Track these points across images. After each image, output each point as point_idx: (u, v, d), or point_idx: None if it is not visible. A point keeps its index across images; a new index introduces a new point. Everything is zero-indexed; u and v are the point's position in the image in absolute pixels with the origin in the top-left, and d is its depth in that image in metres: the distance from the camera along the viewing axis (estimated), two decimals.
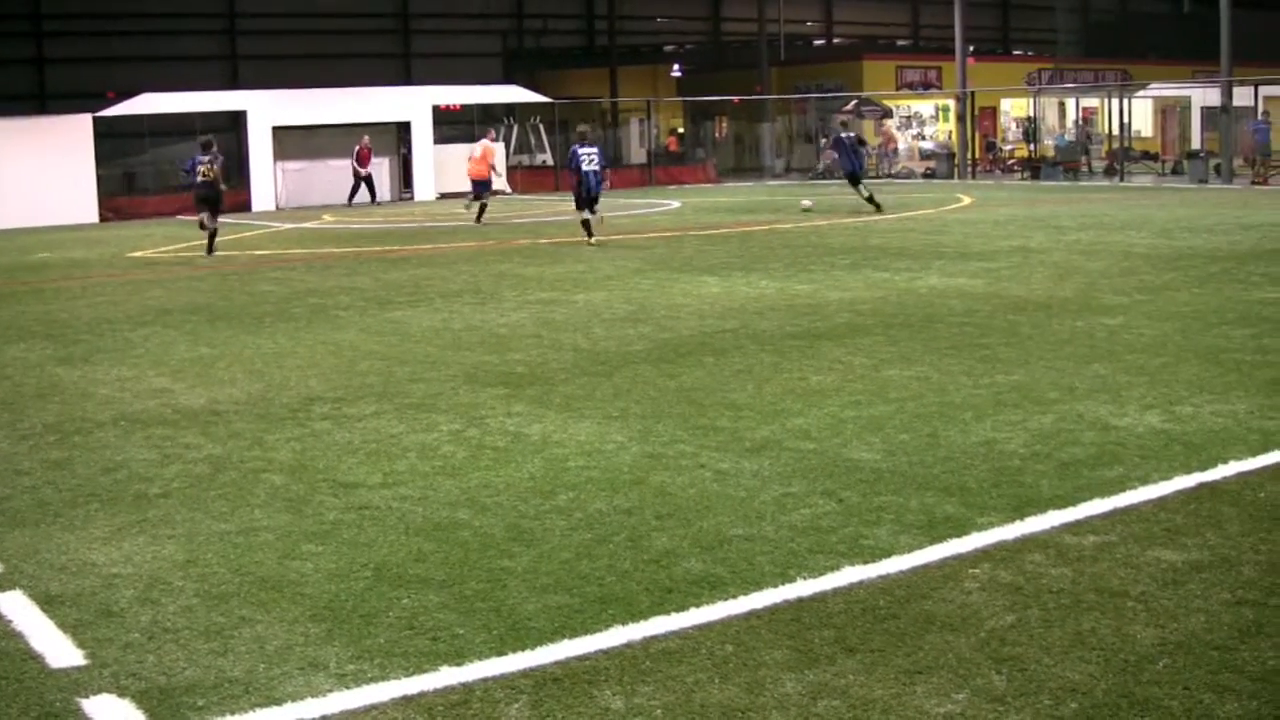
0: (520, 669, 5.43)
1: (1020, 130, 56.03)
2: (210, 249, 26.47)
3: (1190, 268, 18.50)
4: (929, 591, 6.14)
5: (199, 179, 26.50)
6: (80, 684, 5.44)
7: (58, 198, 38.90)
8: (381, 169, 45.65)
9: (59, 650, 5.80)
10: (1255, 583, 6.12)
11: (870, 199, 31.96)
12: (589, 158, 26.21)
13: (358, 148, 43.99)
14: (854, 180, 33.16)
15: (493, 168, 35.68)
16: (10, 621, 6.17)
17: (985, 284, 17.33)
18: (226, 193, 28.93)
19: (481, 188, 34.43)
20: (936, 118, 60.24)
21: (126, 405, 11.31)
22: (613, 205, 38.51)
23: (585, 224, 26.18)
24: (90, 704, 5.25)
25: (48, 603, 6.40)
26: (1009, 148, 55.01)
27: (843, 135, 33.98)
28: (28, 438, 10.18)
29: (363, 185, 44.07)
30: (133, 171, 46.99)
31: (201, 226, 26.94)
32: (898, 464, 8.44)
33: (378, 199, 44.78)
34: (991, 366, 11.58)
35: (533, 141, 54.88)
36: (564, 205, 37.73)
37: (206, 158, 26.46)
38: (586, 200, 26.11)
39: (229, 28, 56.23)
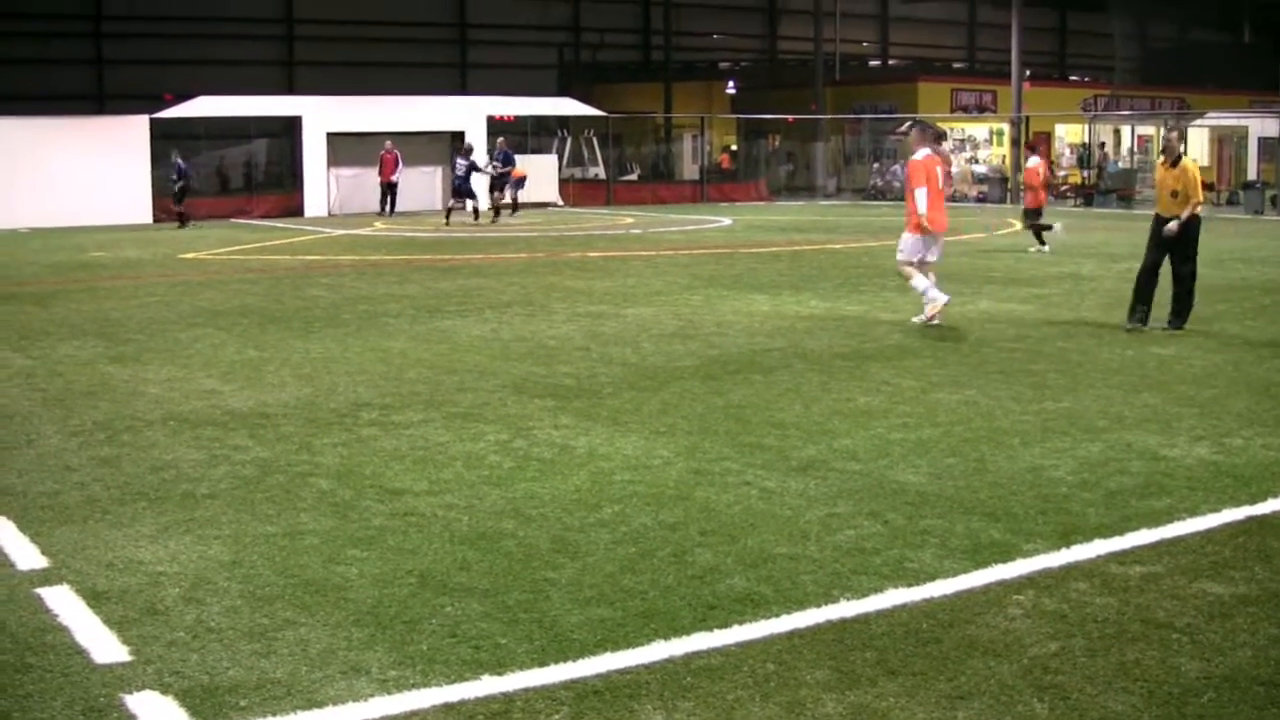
0: (561, 680, 5.43)
1: (1074, 156, 55.77)
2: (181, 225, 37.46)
3: (1243, 299, 18.39)
4: (972, 616, 6.12)
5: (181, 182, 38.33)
6: (124, 680, 5.48)
7: (113, 197, 39.17)
8: (433, 178, 45.60)
9: (104, 646, 5.84)
10: None
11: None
12: (460, 166, 38.18)
13: (383, 153, 42.62)
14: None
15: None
16: (57, 616, 6.22)
17: (1035, 309, 17.27)
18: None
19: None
20: (990, 141, 60.01)
21: (176, 405, 11.38)
22: (663, 220, 38.58)
23: (449, 211, 38.40)
24: (133, 700, 5.28)
25: (94, 598, 6.44)
26: (1062, 173, 54.74)
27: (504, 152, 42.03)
28: (78, 434, 10.25)
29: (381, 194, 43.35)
30: (188, 173, 47.32)
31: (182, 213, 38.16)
32: (944, 488, 8.42)
33: (392, 210, 42.81)
34: (1040, 393, 11.53)
35: (586, 155, 55.00)
36: (617, 218, 37.79)
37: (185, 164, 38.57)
38: (459, 194, 37.93)
39: (287, 33, 56.63)
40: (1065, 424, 10.24)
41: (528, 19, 62.32)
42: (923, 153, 15.97)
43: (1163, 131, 16.50)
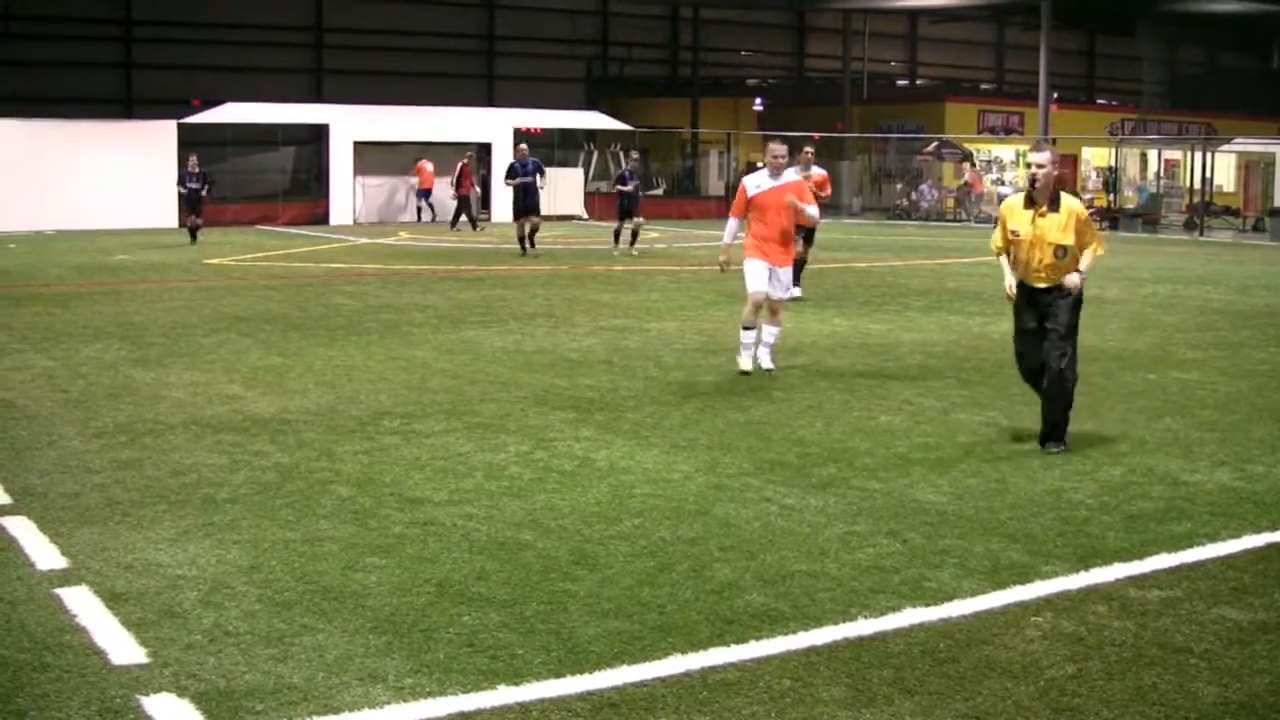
0: (577, 692, 5.43)
1: (1100, 180, 55.64)
2: (193, 239, 33.91)
3: (1268, 325, 18.33)
4: (990, 637, 6.10)
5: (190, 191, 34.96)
6: (141, 682, 5.49)
7: (139, 201, 39.31)
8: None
9: (121, 647, 5.86)
10: None
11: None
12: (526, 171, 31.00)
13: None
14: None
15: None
16: (75, 616, 6.24)
17: None
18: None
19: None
20: (1016, 163, 59.92)
21: (198, 410, 11.42)
22: (688, 236, 38.58)
23: (521, 241, 30.91)
24: (150, 702, 5.30)
25: (112, 600, 6.46)
26: (1088, 197, 54.61)
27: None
28: (100, 436, 10.29)
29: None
30: (214, 179, 47.43)
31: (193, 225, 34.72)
32: (964, 508, 8.40)
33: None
34: None
35: (612, 169, 54.99)
36: (643, 233, 37.80)
37: (197, 173, 34.89)
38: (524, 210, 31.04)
39: (315, 41, 56.68)
40: (1086, 447, 10.21)
41: (556, 32, 62.37)
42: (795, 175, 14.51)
43: (1029, 154, 10.47)
